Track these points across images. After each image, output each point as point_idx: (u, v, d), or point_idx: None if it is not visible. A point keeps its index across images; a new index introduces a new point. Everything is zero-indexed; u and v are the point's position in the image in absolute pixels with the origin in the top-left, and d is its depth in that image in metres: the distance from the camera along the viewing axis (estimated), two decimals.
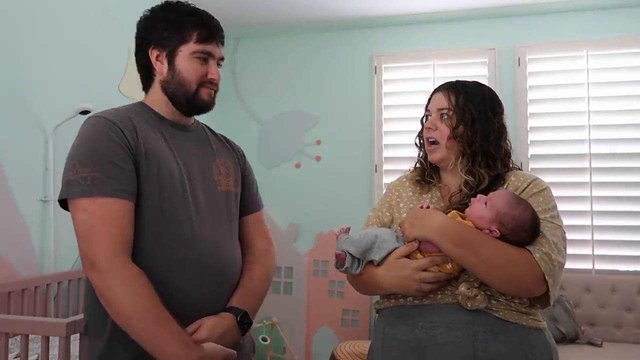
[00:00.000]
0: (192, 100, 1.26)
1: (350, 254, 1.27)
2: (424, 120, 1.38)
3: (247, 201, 1.42)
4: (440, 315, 1.18)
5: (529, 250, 1.14)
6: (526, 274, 1.12)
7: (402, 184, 1.43)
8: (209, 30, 1.25)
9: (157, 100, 1.28)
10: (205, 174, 1.29)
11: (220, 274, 1.25)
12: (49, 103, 2.44)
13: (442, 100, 1.31)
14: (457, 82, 1.36)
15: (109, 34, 2.86)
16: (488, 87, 1.39)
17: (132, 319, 1.07)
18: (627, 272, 3.28)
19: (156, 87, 1.28)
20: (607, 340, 3.06)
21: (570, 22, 3.49)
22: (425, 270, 1.17)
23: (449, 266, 1.17)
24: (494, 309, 1.16)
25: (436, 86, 1.41)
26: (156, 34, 1.24)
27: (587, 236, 3.36)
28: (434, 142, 1.32)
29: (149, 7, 1.29)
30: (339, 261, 1.28)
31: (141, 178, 1.15)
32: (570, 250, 3.75)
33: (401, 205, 1.37)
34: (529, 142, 3.51)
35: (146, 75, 1.30)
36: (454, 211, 1.22)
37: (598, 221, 3.35)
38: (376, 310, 1.36)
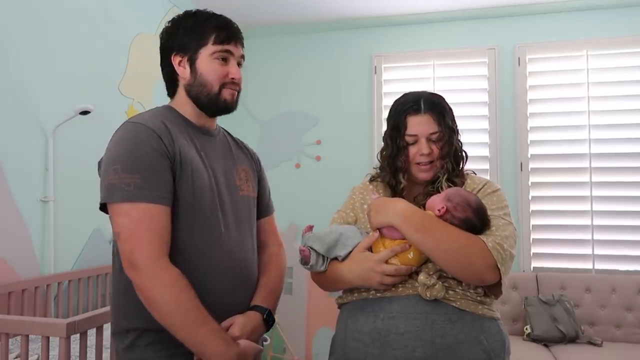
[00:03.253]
0: (215, 101, 1.29)
1: (315, 250, 1.31)
2: (401, 143, 1.36)
3: (261, 205, 1.47)
4: (400, 306, 1.23)
5: (483, 240, 1.20)
6: (480, 261, 1.18)
7: (365, 187, 1.50)
8: (226, 31, 1.29)
9: (183, 104, 1.32)
10: (228, 179, 1.34)
11: (244, 275, 1.31)
12: (49, 103, 2.44)
13: (431, 125, 1.35)
14: (432, 101, 1.38)
15: (109, 34, 2.86)
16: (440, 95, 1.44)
17: (177, 318, 1.12)
18: (627, 272, 3.28)
19: (181, 91, 1.32)
20: (607, 340, 3.06)
21: (570, 22, 3.49)
22: (387, 262, 1.22)
23: (410, 255, 1.22)
24: (452, 299, 1.22)
25: (429, 90, 1.43)
26: (177, 40, 1.29)
27: (587, 236, 3.36)
28: (428, 163, 1.37)
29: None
30: (304, 258, 1.32)
31: (177, 183, 1.20)
32: (570, 250, 3.76)
33: (365, 206, 1.42)
34: (529, 142, 3.51)
35: (171, 81, 1.34)
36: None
37: (598, 221, 3.35)
38: (338, 305, 1.41)
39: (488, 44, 3.62)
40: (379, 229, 1.27)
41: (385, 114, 3.94)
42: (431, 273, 1.22)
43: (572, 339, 3.00)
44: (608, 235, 3.34)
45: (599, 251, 3.34)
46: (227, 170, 1.35)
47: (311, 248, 1.31)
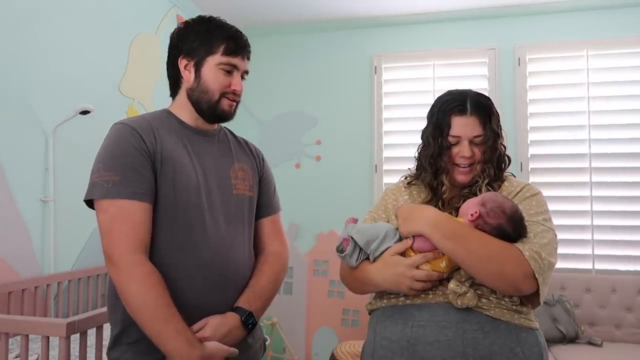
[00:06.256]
0: (213, 108, 1.32)
1: (354, 241, 1.28)
2: (443, 144, 1.31)
3: (263, 204, 1.47)
4: (430, 314, 1.19)
5: (519, 248, 1.16)
6: (515, 271, 1.12)
7: (398, 189, 1.46)
8: (236, 44, 1.31)
9: (182, 107, 1.35)
10: (222, 178, 1.34)
11: (229, 275, 1.29)
12: (49, 103, 2.44)
13: (476, 127, 1.30)
14: (479, 102, 1.32)
15: (109, 34, 2.86)
16: (487, 95, 1.39)
17: (141, 314, 1.14)
18: (627, 272, 3.28)
19: (182, 94, 1.35)
20: (607, 340, 3.06)
21: (570, 22, 3.49)
22: (418, 268, 1.19)
23: (442, 265, 1.19)
24: (485, 307, 1.17)
25: (439, 89, 1.41)
26: (187, 44, 1.32)
27: (587, 236, 3.36)
28: (469, 165, 1.32)
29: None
30: (342, 245, 1.30)
31: (158, 181, 1.23)
32: (570, 250, 3.76)
33: None
34: (529, 142, 3.51)
35: (174, 82, 1.37)
36: (447, 213, 1.27)
37: (598, 221, 3.35)
38: (369, 312, 1.37)
39: (488, 44, 3.62)
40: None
41: (385, 113, 3.98)
42: (463, 280, 1.18)
43: (572, 339, 3.00)
44: (608, 235, 3.34)
45: (599, 251, 3.34)
46: (222, 170, 1.35)
47: (352, 238, 1.29)
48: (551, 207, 3.75)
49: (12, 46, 2.27)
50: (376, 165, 3.75)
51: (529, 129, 3.51)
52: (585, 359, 2.81)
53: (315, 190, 3.87)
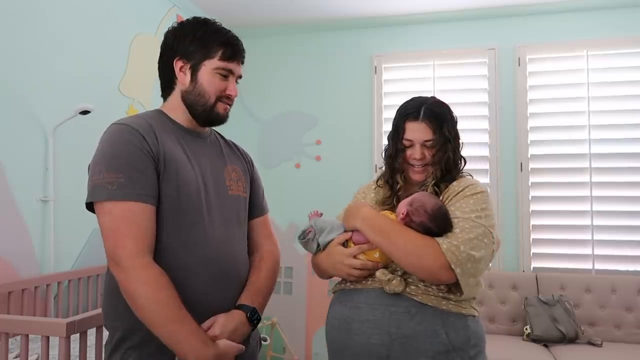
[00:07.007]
0: (209, 112, 1.33)
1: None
2: (399, 146, 1.46)
3: (254, 206, 1.49)
4: (365, 298, 1.35)
5: (439, 242, 1.27)
6: (432, 262, 1.25)
7: (369, 187, 1.61)
8: (232, 49, 1.33)
9: (176, 108, 1.35)
10: (217, 179, 1.35)
11: (229, 274, 1.31)
12: (49, 103, 2.44)
13: (427, 133, 1.42)
14: (432, 110, 1.44)
15: (109, 34, 2.86)
16: (444, 102, 1.49)
17: (154, 316, 1.13)
18: (627, 272, 3.28)
19: (176, 95, 1.34)
20: (607, 340, 3.06)
21: (570, 22, 3.49)
22: (356, 257, 1.36)
23: (376, 255, 1.34)
24: (413, 293, 1.31)
25: (435, 91, 1.49)
26: (183, 46, 1.31)
27: (587, 236, 3.36)
28: (423, 165, 1.45)
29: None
30: (303, 233, 1.49)
31: (161, 182, 1.22)
32: (570, 250, 3.75)
33: None
34: (529, 142, 3.51)
35: (167, 83, 1.36)
36: (387, 210, 1.43)
37: (598, 221, 3.35)
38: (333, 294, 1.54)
39: (488, 44, 3.62)
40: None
41: (385, 113, 3.98)
42: (396, 269, 1.33)
43: (572, 339, 3.00)
44: (608, 236, 3.34)
45: (599, 251, 3.34)
46: (217, 171, 1.36)
47: (314, 229, 1.48)
48: (551, 207, 3.76)
49: (12, 46, 2.27)
50: (376, 165, 3.75)
51: (529, 129, 3.51)
52: (585, 359, 2.81)
53: (315, 190, 3.87)
